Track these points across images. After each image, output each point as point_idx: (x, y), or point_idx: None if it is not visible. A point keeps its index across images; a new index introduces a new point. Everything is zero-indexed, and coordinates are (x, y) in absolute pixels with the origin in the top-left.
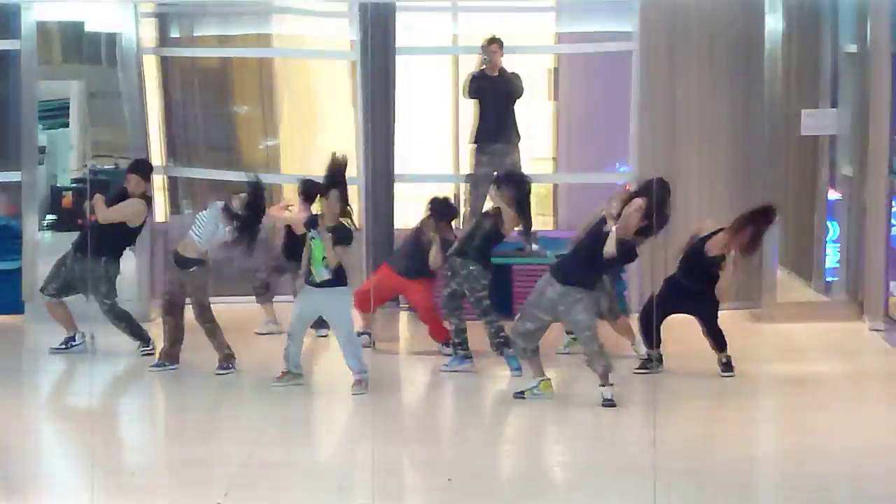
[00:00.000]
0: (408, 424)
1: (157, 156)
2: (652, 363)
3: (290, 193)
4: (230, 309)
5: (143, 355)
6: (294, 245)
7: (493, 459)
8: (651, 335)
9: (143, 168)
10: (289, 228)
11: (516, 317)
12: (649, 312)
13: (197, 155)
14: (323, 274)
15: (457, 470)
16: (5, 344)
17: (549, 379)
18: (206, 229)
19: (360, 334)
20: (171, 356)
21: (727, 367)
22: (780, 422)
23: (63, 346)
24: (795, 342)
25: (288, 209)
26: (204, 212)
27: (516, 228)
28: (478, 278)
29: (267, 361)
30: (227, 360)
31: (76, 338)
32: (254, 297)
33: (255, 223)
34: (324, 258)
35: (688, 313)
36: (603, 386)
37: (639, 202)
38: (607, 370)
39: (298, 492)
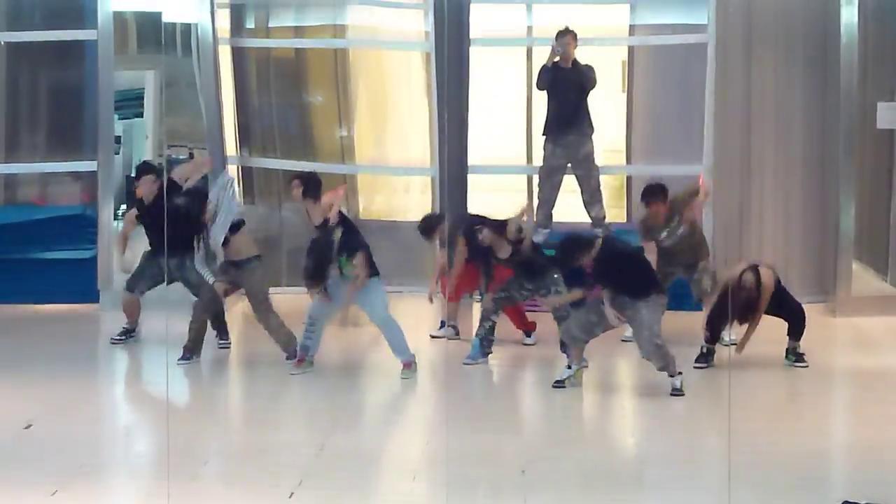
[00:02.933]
0: (479, 414)
1: (231, 146)
2: (711, 356)
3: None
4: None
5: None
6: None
7: (565, 449)
8: (719, 329)
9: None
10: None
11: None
12: (723, 306)
13: (271, 145)
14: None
15: (529, 460)
16: (80, 332)
17: (586, 366)
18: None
19: (443, 325)
20: (197, 350)
21: (800, 357)
22: (854, 414)
23: (122, 338)
24: (870, 336)
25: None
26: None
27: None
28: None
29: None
30: (294, 346)
31: (136, 330)
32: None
33: None
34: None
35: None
36: (672, 376)
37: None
38: (669, 364)
39: (372, 480)
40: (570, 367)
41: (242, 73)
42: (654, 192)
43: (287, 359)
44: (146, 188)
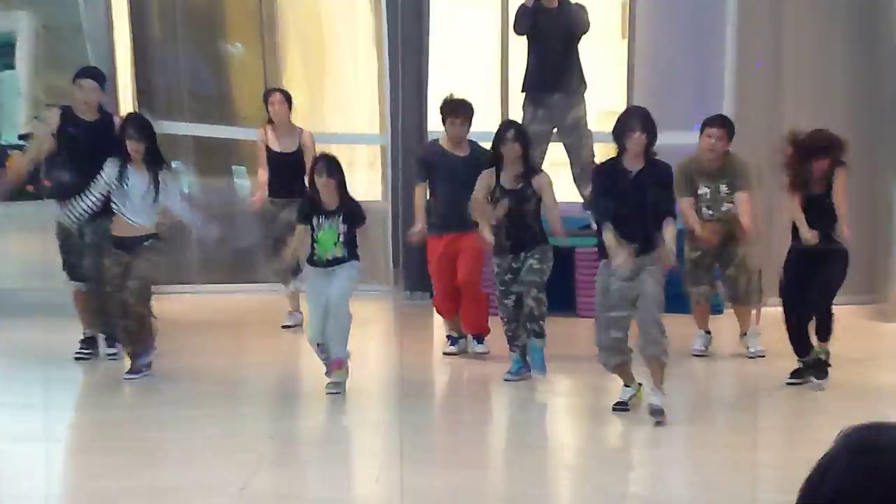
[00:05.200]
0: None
1: (127, 107)
2: (808, 371)
3: None
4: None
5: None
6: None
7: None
8: (806, 339)
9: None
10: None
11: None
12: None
13: (178, 106)
14: (336, 251)
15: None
16: None
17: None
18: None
19: (453, 340)
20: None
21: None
22: None
23: (88, 352)
24: None
25: None
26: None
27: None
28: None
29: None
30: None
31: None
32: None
33: None
34: (338, 239)
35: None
36: (653, 389)
37: None
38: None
39: None
40: (628, 386)
41: (141, 15)
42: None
43: (128, 373)
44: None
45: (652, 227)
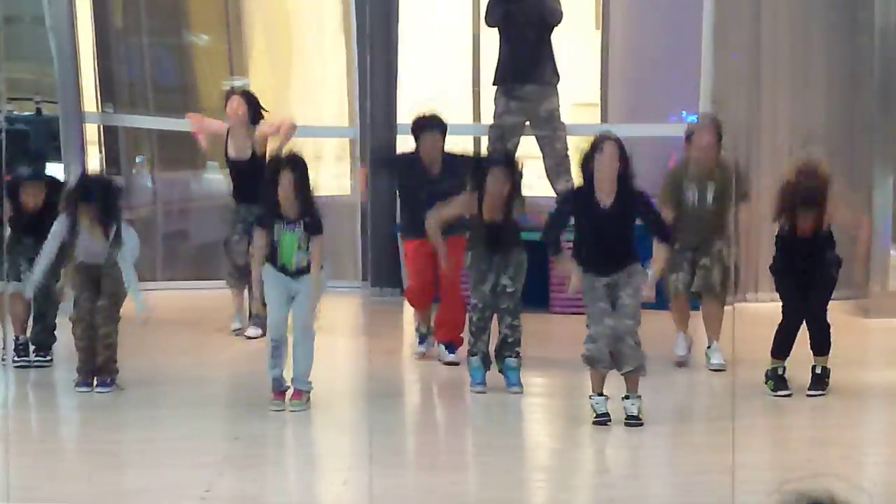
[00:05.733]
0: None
1: (89, 100)
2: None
3: None
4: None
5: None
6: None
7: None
8: (791, 341)
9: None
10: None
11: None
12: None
13: (142, 98)
14: (301, 260)
15: None
16: None
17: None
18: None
19: (422, 338)
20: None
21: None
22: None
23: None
24: None
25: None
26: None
27: None
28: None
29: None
30: (113, 375)
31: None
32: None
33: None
34: (298, 248)
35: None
36: (629, 398)
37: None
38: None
39: None
40: (601, 395)
41: (104, 6)
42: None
43: (78, 385)
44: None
45: (626, 252)
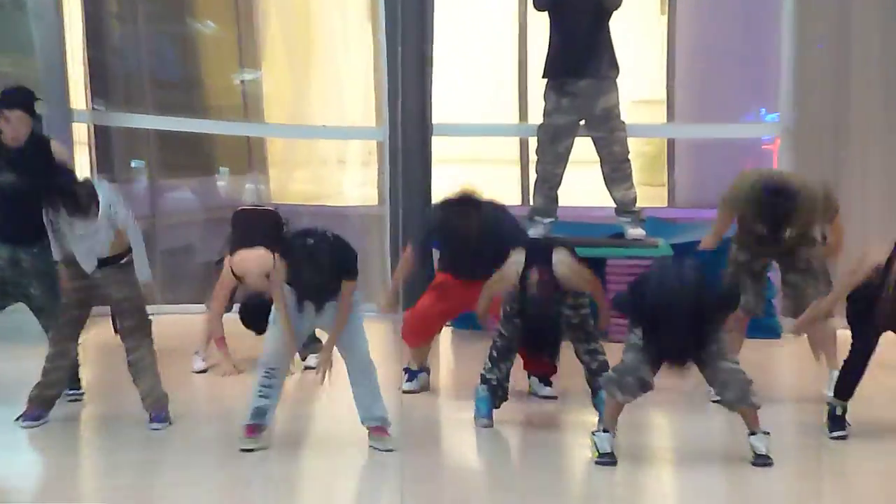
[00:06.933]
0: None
1: (78, 96)
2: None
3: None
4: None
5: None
6: None
7: None
8: (856, 380)
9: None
10: None
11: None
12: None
13: (139, 94)
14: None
15: None
16: None
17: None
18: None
19: (411, 375)
20: (50, 403)
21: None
22: None
23: None
24: None
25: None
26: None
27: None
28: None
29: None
30: (163, 408)
31: None
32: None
33: None
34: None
35: None
36: (755, 434)
37: None
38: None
39: None
40: (607, 431)
41: None
42: None
43: (152, 421)
44: None
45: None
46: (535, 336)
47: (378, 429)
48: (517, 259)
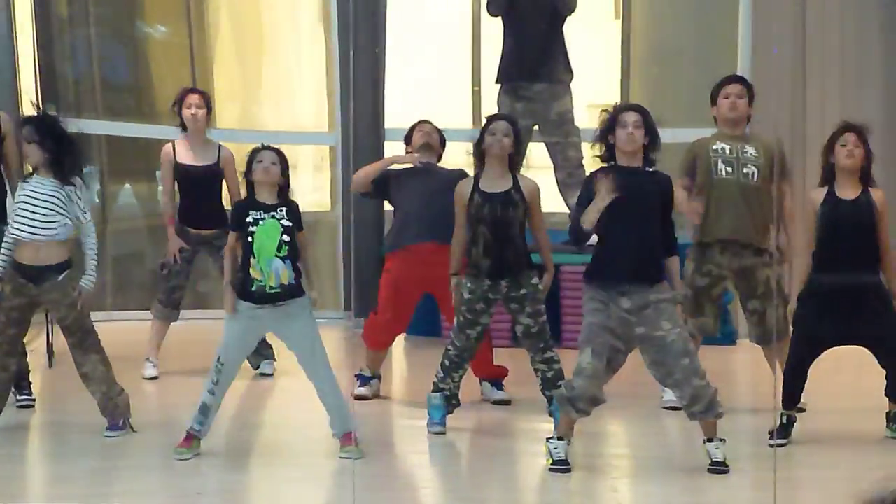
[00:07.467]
0: None
1: (28, 100)
2: (790, 429)
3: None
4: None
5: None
6: None
7: None
8: (799, 385)
9: None
10: None
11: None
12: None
13: (89, 99)
14: (279, 270)
15: None
16: None
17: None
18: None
19: (364, 380)
20: None
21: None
22: None
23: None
24: None
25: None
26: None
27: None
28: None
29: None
30: (120, 416)
31: None
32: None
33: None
34: (281, 244)
35: (856, 342)
36: (711, 441)
37: None
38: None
39: None
40: (562, 439)
41: None
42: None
43: (108, 429)
44: None
45: (657, 251)
46: (496, 257)
47: (349, 436)
48: (465, 180)
